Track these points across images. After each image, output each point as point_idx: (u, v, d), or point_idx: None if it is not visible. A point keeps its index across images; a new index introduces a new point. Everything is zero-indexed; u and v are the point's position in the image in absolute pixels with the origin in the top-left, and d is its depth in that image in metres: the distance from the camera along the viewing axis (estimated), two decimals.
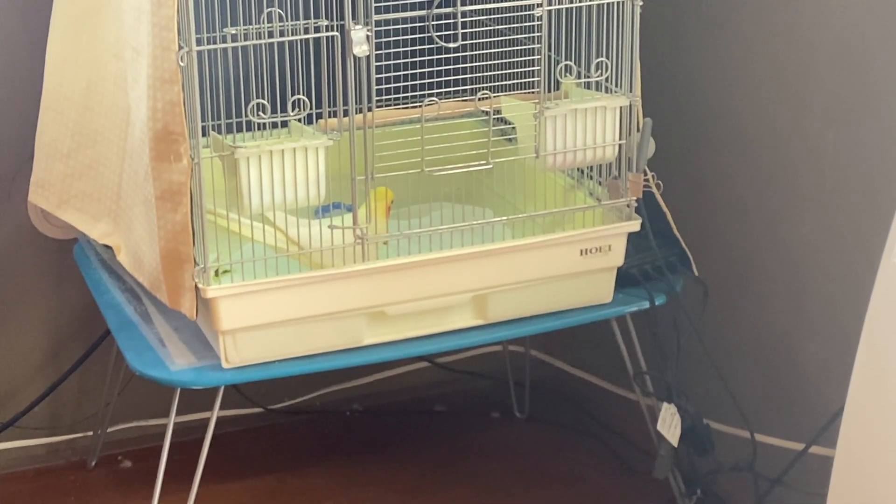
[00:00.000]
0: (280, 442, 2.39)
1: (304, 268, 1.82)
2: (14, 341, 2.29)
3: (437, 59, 1.82)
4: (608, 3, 1.85)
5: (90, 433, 2.33)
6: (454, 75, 1.83)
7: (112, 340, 2.05)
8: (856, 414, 1.52)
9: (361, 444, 2.39)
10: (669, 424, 1.98)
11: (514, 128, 1.93)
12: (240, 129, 1.77)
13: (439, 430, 2.42)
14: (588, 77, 1.87)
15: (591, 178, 1.95)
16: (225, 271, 1.81)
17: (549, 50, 1.87)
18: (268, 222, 1.80)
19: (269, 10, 1.73)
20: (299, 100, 1.74)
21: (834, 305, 1.97)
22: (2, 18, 2.15)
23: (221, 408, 1.87)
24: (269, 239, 1.80)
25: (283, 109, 1.75)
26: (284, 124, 1.78)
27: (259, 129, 1.76)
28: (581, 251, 1.89)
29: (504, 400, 2.46)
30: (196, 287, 1.76)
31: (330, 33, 1.74)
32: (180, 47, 1.68)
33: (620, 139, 1.89)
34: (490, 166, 1.85)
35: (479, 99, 1.83)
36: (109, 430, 2.31)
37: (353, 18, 1.73)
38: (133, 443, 2.35)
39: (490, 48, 1.85)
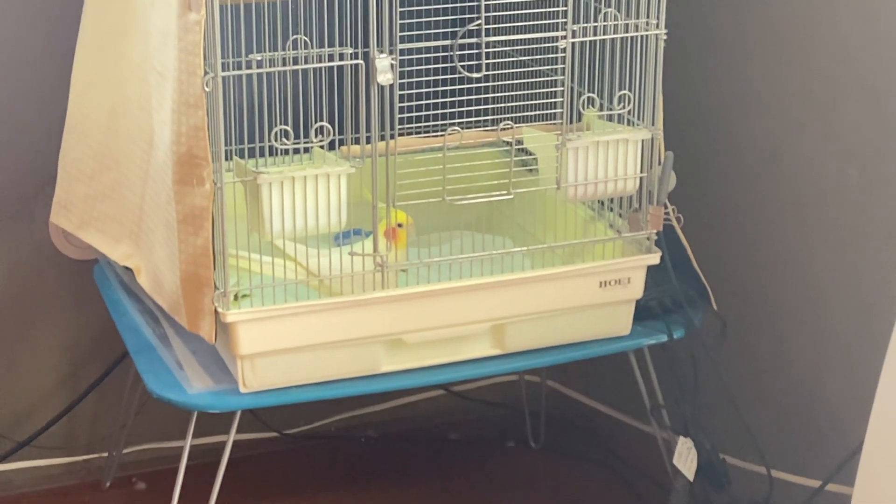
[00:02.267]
0: (294, 467, 2.39)
1: (323, 295, 1.82)
2: (32, 360, 2.29)
3: (460, 88, 1.82)
4: (631, 37, 1.86)
5: (105, 454, 2.33)
6: (477, 105, 1.84)
7: (129, 361, 2.06)
8: (875, 451, 1.51)
9: (375, 470, 2.39)
10: (685, 458, 1.97)
11: (535, 158, 1.93)
12: (261, 154, 1.77)
13: (454, 459, 2.42)
14: (610, 109, 1.88)
15: (612, 210, 1.95)
16: (244, 296, 1.81)
17: (572, 81, 1.87)
18: (288, 258, 1.80)
19: (295, 37, 1.74)
20: (322, 126, 1.75)
21: (853, 342, 1.97)
22: (28, 39, 2.16)
23: (236, 431, 1.87)
24: (290, 274, 1.80)
25: (306, 135, 1.76)
26: (306, 150, 1.78)
27: (281, 154, 1.76)
28: (600, 283, 1.89)
29: (519, 429, 2.46)
30: (216, 311, 1.76)
31: (355, 61, 1.74)
32: (206, 73, 1.69)
33: (642, 172, 1.89)
34: (511, 196, 1.86)
35: (502, 129, 1.84)
36: (124, 451, 2.31)
37: (378, 47, 1.74)
38: (148, 464, 2.35)
39: (513, 79, 1.86)
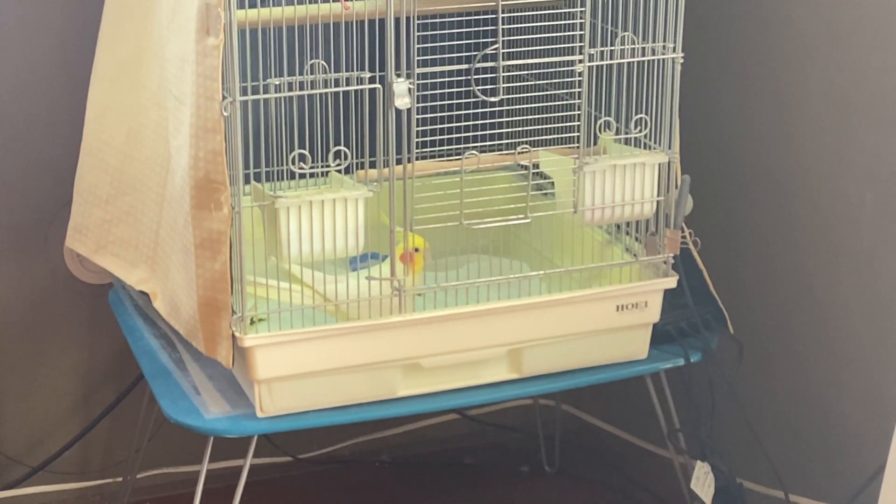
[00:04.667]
0: (309, 492, 2.38)
1: (340, 320, 1.82)
2: (46, 385, 2.29)
3: (477, 112, 1.82)
4: (648, 60, 1.86)
5: (119, 479, 2.33)
6: (494, 129, 1.84)
7: (143, 386, 2.05)
8: None
9: (389, 495, 2.38)
10: (703, 483, 1.97)
11: (551, 182, 1.93)
12: (276, 178, 1.77)
13: (468, 483, 2.41)
14: (627, 133, 1.88)
15: (629, 233, 1.95)
16: (260, 320, 1.81)
17: (589, 105, 1.87)
18: (306, 285, 1.80)
19: (313, 61, 1.74)
20: (341, 150, 1.75)
21: (869, 366, 1.96)
22: (44, 64, 2.17)
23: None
24: (307, 300, 1.80)
25: (323, 159, 1.76)
26: (323, 174, 1.78)
27: (298, 178, 1.76)
28: (617, 307, 1.89)
29: (534, 454, 2.45)
30: (233, 336, 1.76)
31: (372, 85, 1.74)
32: (224, 97, 1.69)
33: (658, 196, 1.89)
34: (528, 220, 1.86)
35: (519, 153, 1.84)
36: (139, 476, 2.30)
37: (396, 71, 1.74)
38: (161, 489, 2.34)
39: (530, 103, 1.86)
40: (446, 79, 1.82)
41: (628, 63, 1.86)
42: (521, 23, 1.84)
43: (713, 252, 1.99)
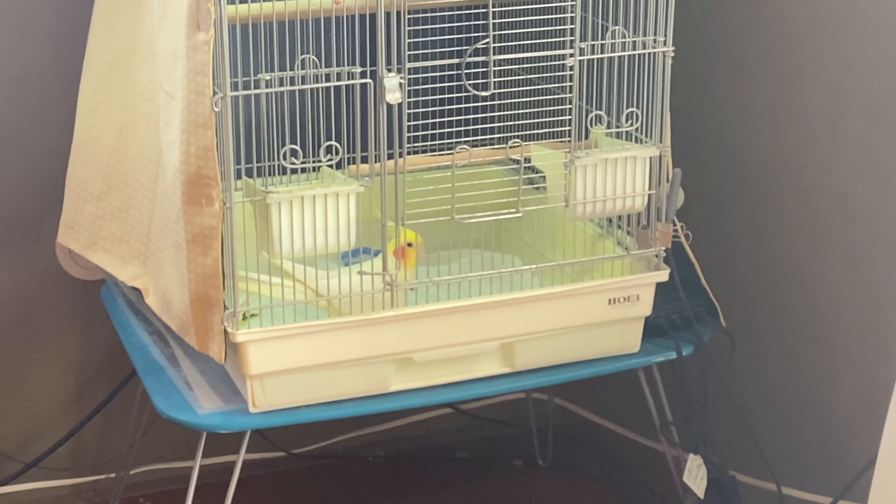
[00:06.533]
0: (302, 487, 2.38)
1: (332, 314, 1.82)
2: (39, 381, 2.29)
3: (468, 107, 1.83)
4: (639, 54, 1.86)
5: (112, 475, 2.33)
6: (485, 123, 1.84)
7: (136, 382, 2.05)
8: (888, 466, 1.51)
9: (383, 489, 2.39)
10: (695, 476, 1.97)
11: (542, 176, 1.93)
12: (267, 173, 1.77)
13: (461, 477, 2.42)
14: (618, 127, 1.88)
15: (620, 227, 1.95)
16: (252, 315, 1.81)
17: (580, 99, 1.87)
18: (298, 280, 1.80)
19: (304, 56, 1.74)
20: (332, 146, 1.75)
21: (861, 358, 1.97)
22: (34, 59, 2.17)
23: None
24: (299, 295, 1.80)
25: (314, 154, 1.76)
26: (314, 169, 1.78)
27: (289, 173, 1.76)
28: (609, 300, 1.89)
29: (527, 447, 2.45)
30: (225, 331, 1.76)
31: (363, 80, 1.74)
32: (215, 93, 1.69)
33: (650, 189, 1.89)
34: (520, 214, 1.86)
35: (510, 147, 1.84)
36: (132, 472, 2.30)
37: (387, 66, 1.74)
38: (154, 485, 2.35)
39: (521, 97, 1.86)
40: (437, 73, 1.81)
41: (619, 57, 1.86)
42: (511, 17, 1.84)
43: (705, 245, 2.00)
